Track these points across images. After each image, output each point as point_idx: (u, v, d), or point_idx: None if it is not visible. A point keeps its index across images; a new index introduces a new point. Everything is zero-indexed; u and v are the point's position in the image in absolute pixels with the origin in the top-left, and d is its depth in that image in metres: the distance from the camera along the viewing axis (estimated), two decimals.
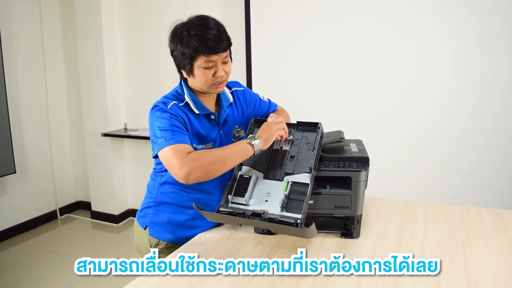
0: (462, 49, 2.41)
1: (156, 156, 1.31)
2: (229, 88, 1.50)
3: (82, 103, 3.56)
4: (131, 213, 3.73)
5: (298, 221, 1.13)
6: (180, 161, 1.18)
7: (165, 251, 1.41)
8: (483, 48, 2.37)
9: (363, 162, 1.28)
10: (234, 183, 1.28)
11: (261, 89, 2.89)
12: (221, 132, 1.41)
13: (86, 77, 3.48)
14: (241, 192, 1.25)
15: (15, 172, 3.17)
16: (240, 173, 1.30)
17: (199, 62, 1.26)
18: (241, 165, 1.31)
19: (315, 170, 1.24)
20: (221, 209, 1.22)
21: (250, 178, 1.27)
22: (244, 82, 2.90)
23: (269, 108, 1.58)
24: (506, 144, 2.41)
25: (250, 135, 1.26)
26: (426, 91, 2.52)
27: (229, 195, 1.26)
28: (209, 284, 1.10)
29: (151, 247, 1.45)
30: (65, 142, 3.82)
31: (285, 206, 1.20)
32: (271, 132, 1.28)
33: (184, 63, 1.28)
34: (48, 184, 3.66)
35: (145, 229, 1.46)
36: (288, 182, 1.24)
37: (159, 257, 1.28)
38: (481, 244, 1.28)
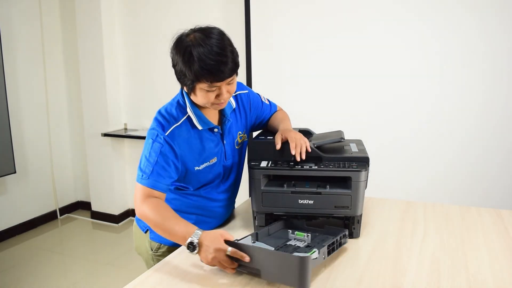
0: (462, 49, 2.41)
1: None
2: None
3: (82, 103, 3.56)
4: (131, 213, 3.73)
5: None
6: (139, 204, 1.23)
7: (166, 255, 1.40)
8: (484, 49, 2.37)
9: (363, 162, 1.28)
10: None
11: (261, 89, 2.88)
12: (224, 142, 1.38)
13: (86, 77, 3.48)
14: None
15: (15, 172, 3.17)
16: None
17: (202, 85, 1.18)
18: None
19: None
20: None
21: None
22: (244, 82, 2.90)
23: (270, 110, 1.57)
24: (506, 144, 2.41)
25: (192, 243, 1.10)
26: (427, 91, 2.52)
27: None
28: (209, 284, 1.09)
29: (152, 251, 1.44)
30: (65, 142, 3.82)
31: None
32: (208, 255, 1.09)
33: (185, 82, 1.20)
34: (48, 184, 3.66)
35: (145, 232, 1.45)
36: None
37: (160, 261, 1.28)
38: (481, 244, 1.28)
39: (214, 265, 1.11)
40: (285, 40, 2.81)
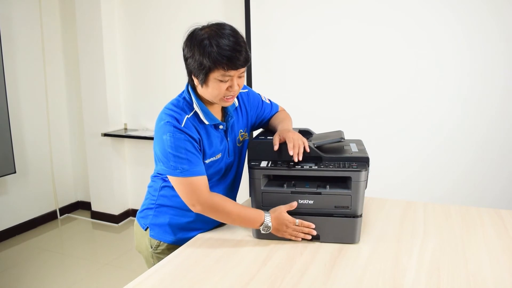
0: (463, 49, 2.41)
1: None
2: None
3: (82, 103, 3.56)
4: (131, 213, 3.73)
5: None
6: (198, 199, 1.28)
7: (166, 252, 1.40)
8: (484, 49, 2.37)
9: (363, 162, 1.28)
10: None
11: (261, 89, 2.89)
12: (228, 139, 1.40)
13: (86, 77, 3.48)
14: None
15: (15, 172, 3.17)
16: None
17: (216, 75, 1.21)
18: None
19: None
20: None
21: None
22: (244, 82, 2.90)
23: (271, 110, 1.57)
24: (506, 143, 2.41)
25: (268, 225, 1.30)
26: (426, 91, 2.52)
27: None
28: (209, 284, 1.10)
29: (151, 248, 1.44)
30: (65, 142, 3.82)
31: None
32: (281, 232, 1.32)
33: (199, 73, 1.23)
34: (48, 184, 3.66)
35: (145, 230, 1.46)
36: None
37: (160, 258, 1.29)
38: (481, 244, 1.28)
39: (287, 236, 1.32)
40: (286, 40, 2.81)
